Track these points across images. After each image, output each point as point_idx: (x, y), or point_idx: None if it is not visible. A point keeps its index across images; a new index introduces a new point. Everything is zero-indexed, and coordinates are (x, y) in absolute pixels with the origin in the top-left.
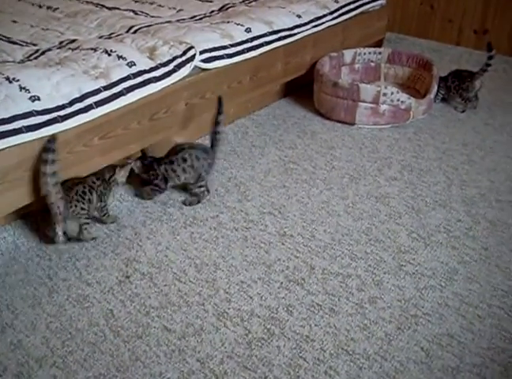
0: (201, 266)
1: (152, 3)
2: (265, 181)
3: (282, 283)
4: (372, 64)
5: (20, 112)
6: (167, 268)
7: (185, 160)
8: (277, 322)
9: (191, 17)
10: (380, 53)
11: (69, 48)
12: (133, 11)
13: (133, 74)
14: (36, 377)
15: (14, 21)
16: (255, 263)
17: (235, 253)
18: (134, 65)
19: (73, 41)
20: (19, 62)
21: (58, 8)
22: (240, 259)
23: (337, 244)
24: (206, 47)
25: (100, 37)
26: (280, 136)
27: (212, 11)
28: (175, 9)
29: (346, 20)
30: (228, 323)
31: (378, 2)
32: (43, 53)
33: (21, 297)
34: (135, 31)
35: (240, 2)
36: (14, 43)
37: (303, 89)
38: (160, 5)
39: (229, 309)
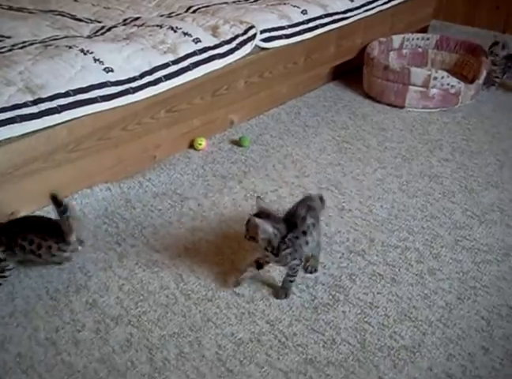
0: None
1: None
2: (320, 158)
3: (343, 253)
4: (420, 49)
5: (96, 82)
6: (232, 238)
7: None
8: (341, 289)
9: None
10: (428, 39)
11: (135, 25)
12: None
13: (198, 50)
14: (113, 334)
15: (75, 0)
16: None
17: None
18: (200, 41)
19: (137, 19)
20: (87, 37)
21: None
22: None
23: (394, 219)
24: (266, 27)
25: (161, 16)
26: (331, 118)
27: None
28: None
29: (395, 5)
30: (294, 289)
31: None
32: (109, 29)
33: (92, 261)
34: (194, 11)
35: None
36: (79, 20)
37: (351, 73)
38: None
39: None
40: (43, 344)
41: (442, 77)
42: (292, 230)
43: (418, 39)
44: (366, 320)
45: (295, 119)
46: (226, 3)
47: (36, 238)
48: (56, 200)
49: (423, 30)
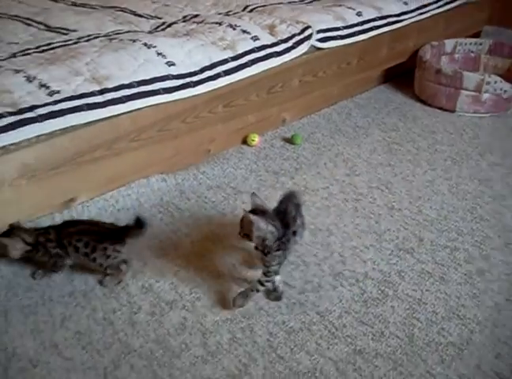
0: (315, 231)
1: None
2: (370, 158)
3: (393, 250)
4: (472, 54)
5: (159, 75)
6: None
7: None
8: (390, 285)
9: (301, 0)
10: (481, 44)
11: (194, 22)
12: None
13: (257, 47)
14: (168, 317)
15: None
16: (366, 231)
17: (347, 221)
18: (258, 39)
19: (196, 16)
20: (148, 33)
21: None
22: (352, 227)
23: (443, 220)
24: (321, 28)
25: (219, 14)
26: (382, 119)
27: None
28: None
29: (449, 10)
30: (344, 282)
31: None
32: (169, 25)
33: (148, 248)
34: (251, 11)
35: None
36: (140, 15)
37: (402, 76)
38: None
39: (344, 270)
40: (100, 323)
41: (495, 82)
42: (286, 231)
43: (471, 43)
44: (414, 315)
45: (346, 119)
46: (281, 3)
47: (91, 240)
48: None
49: (476, 35)
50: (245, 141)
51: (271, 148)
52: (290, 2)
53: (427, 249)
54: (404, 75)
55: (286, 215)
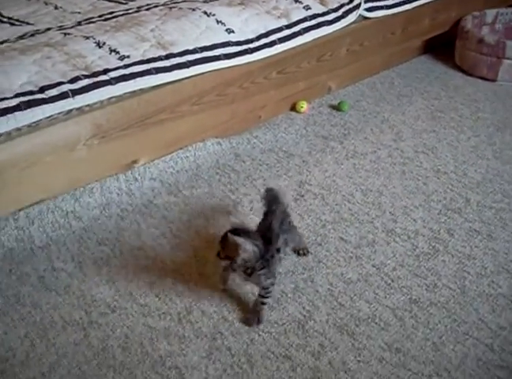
0: (366, 191)
1: None
2: (415, 125)
3: (441, 210)
4: None
5: (219, 42)
6: (336, 191)
7: None
8: (440, 241)
9: None
10: None
11: None
12: None
13: (309, 16)
14: None
15: None
16: (415, 192)
17: (396, 183)
18: (310, 8)
19: None
20: (203, 2)
21: None
22: (401, 188)
23: (489, 182)
24: None
25: None
26: (424, 88)
27: None
28: None
29: None
30: (397, 239)
31: None
32: None
33: (210, 207)
34: None
35: None
36: None
37: (442, 47)
38: None
39: (396, 228)
40: (170, 275)
41: None
42: (268, 248)
43: None
44: (465, 269)
45: (390, 88)
46: None
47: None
48: None
49: None
50: (293, 108)
51: (319, 114)
52: None
53: (474, 209)
54: (445, 45)
55: (269, 231)
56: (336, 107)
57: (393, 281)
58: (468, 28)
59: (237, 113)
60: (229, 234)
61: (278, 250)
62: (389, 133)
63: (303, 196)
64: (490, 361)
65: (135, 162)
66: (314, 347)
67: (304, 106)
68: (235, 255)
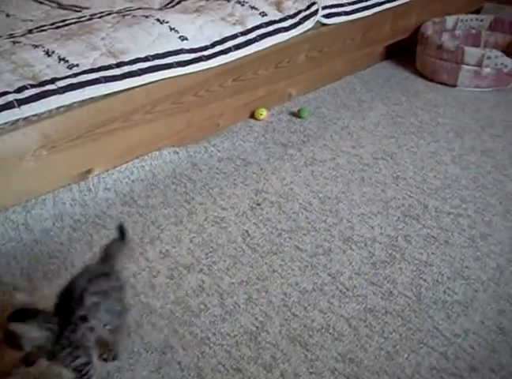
0: (324, 199)
1: None
2: (375, 131)
3: (399, 217)
4: (473, 31)
5: (172, 49)
6: (293, 199)
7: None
8: (397, 248)
9: None
10: (482, 20)
11: None
12: None
13: (265, 23)
14: (186, 280)
15: None
16: (373, 199)
17: (354, 190)
18: (266, 15)
19: None
20: (158, 9)
21: None
22: (359, 195)
23: (447, 188)
24: (327, 4)
25: None
26: (385, 94)
27: None
28: None
29: None
30: (354, 246)
31: None
32: (178, 2)
33: (164, 215)
34: None
35: None
36: None
37: (404, 52)
38: None
39: (353, 235)
40: None
41: (496, 57)
42: (68, 322)
43: (472, 20)
44: (421, 276)
45: (351, 94)
46: None
47: None
48: None
49: (477, 12)
50: (253, 116)
51: (278, 121)
52: None
53: (432, 215)
54: (407, 51)
55: (71, 297)
56: (296, 114)
57: (348, 290)
58: (428, 34)
59: (194, 121)
60: (10, 323)
61: (84, 318)
62: (349, 139)
63: (259, 204)
64: (444, 369)
65: (89, 172)
66: (266, 359)
67: (263, 113)
68: (21, 345)
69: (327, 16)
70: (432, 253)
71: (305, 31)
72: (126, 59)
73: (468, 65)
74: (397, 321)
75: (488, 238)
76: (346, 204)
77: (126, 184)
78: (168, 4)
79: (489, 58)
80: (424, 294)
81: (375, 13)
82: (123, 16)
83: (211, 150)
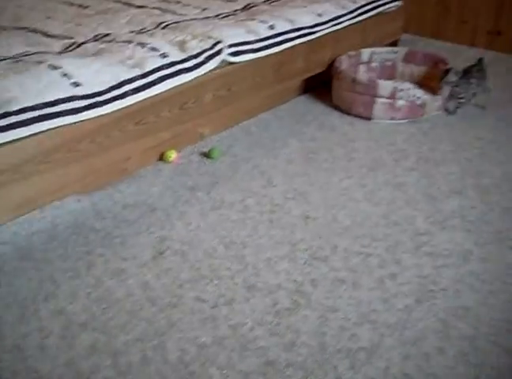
0: (229, 244)
1: (178, 2)
2: (287, 169)
3: (307, 260)
4: (389, 63)
5: (63, 96)
6: (197, 246)
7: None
8: (303, 294)
9: (216, 15)
10: (396, 52)
11: (104, 41)
12: (161, 9)
13: (166, 65)
14: (79, 339)
15: (48, 17)
16: (281, 242)
17: (262, 233)
18: (167, 56)
19: (107, 35)
20: (58, 53)
21: (88, 6)
22: (267, 238)
23: (358, 226)
24: (233, 42)
25: (132, 32)
26: (301, 129)
27: (236, 10)
28: (200, 7)
29: (364, 20)
30: (257, 294)
31: (395, 3)
32: (79, 45)
33: (61, 270)
34: (164, 27)
35: (263, 2)
36: (51, 36)
37: (321, 86)
38: (185, 4)
39: (258, 282)
40: (9, 351)
41: (408, 89)
42: None
43: (387, 52)
44: (326, 323)
45: (265, 131)
46: (196, 19)
47: None
48: None
49: (394, 43)
50: (162, 158)
51: (189, 163)
52: (204, 18)
53: (341, 256)
54: (324, 85)
55: None
56: (207, 155)
57: (249, 342)
58: (342, 68)
59: (96, 167)
60: None
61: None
62: (260, 179)
63: (162, 253)
64: None
65: None
66: None
67: (172, 155)
68: None
69: (234, 54)
70: (339, 297)
71: (210, 71)
72: (13, 109)
73: (382, 97)
74: (299, 374)
75: (397, 278)
76: (252, 248)
77: (25, 237)
78: (69, 47)
79: (402, 90)
80: (328, 342)
81: (286, 49)
82: (17, 62)
83: (116, 196)
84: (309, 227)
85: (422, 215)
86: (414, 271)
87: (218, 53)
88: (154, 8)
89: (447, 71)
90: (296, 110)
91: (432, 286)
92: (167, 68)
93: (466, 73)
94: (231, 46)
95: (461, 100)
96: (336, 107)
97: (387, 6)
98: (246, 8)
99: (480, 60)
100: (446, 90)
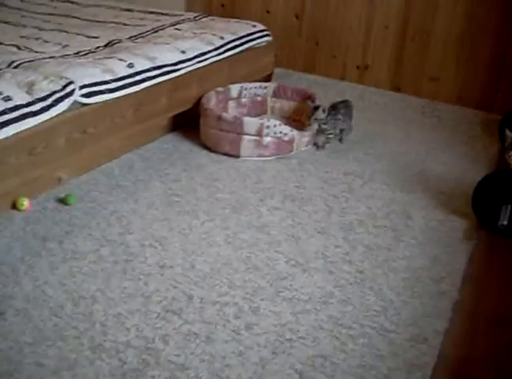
0: (78, 300)
1: (37, 38)
2: (147, 214)
3: (159, 313)
4: (259, 98)
5: None
6: (43, 304)
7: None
8: (153, 352)
9: (76, 53)
10: (266, 87)
11: None
12: (17, 46)
13: (9, 109)
14: None
15: None
16: (133, 295)
17: (114, 285)
18: (11, 99)
19: None
20: None
21: None
22: (119, 292)
23: (216, 273)
24: (87, 82)
25: None
26: (165, 170)
27: (98, 47)
28: (60, 44)
29: (232, 55)
30: (103, 355)
31: (265, 39)
32: None
33: None
34: (16, 67)
35: (127, 39)
36: None
37: (190, 123)
38: (45, 41)
39: (105, 341)
40: None
41: (275, 126)
42: None
43: (256, 87)
44: None
45: (128, 173)
46: (53, 57)
47: None
48: None
49: (267, 78)
50: (15, 206)
51: (43, 210)
52: (62, 56)
53: (196, 307)
54: (193, 122)
55: None
56: (64, 201)
57: None
58: (207, 106)
59: None
60: None
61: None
62: (117, 225)
63: (3, 314)
64: None
65: None
66: None
67: (25, 203)
68: None
69: (87, 95)
70: (191, 353)
71: (61, 113)
72: None
73: (248, 135)
74: None
75: (254, 328)
76: (102, 303)
77: None
78: None
79: (268, 127)
80: None
81: (147, 88)
82: None
83: None
84: (164, 277)
85: (284, 257)
86: (272, 319)
87: (69, 94)
88: (10, 45)
89: (316, 108)
90: (162, 150)
91: (290, 334)
92: (10, 112)
93: (334, 108)
94: (83, 87)
95: (330, 136)
96: (204, 146)
97: (256, 42)
98: (109, 45)
99: (346, 100)
100: (314, 126)
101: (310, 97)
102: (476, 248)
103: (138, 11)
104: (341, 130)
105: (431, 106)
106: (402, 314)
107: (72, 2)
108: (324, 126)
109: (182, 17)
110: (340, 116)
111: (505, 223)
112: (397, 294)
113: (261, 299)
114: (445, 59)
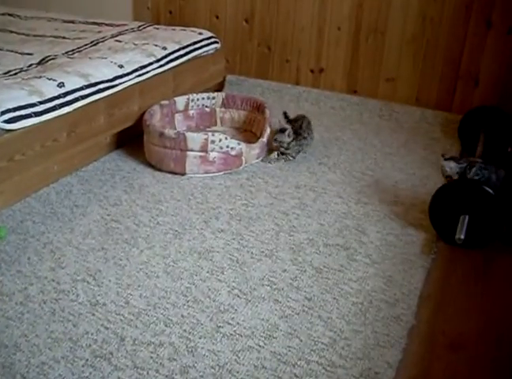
0: None
1: None
2: (82, 244)
3: (88, 359)
4: (207, 109)
5: None
6: None
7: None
8: None
9: (5, 73)
10: (214, 98)
11: None
12: None
13: None
14: None
15: None
16: (61, 339)
17: (40, 329)
18: None
19: None
20: None
21: None
22: (45, 336)
23: (152, 309)
24: (10, 107)
25: None
26: (105, 193)
27: (31, 64)
28: None
29: (177, 66)
30: None
31: (213, 46)
32: None
33: None
34: None
35: (63, 54)
36: None
37: (136, 140)
38: None
39: None
40: None
41: (220, 140)
42: None
43: (204, 98)
44: None
45: (65, 199)
46: None
47: None
48: None
49: (219, 86)
50: None
51: None
52: None
53: (128, 350)
54: (138, 139)
55: None
56: None
57: None
58: (150, 122)
59: None
60: None
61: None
62: (49, 259)
63: None
64: None
65: None
66: None
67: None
68: None
69: (9, 121)
70: None
71: None
72: None
73: (193, 151)
74: None
75: (190, 371)
76: (25, 351)
77: None
78: None
79: (213, 142)
80: None
81: (81, 107)
82: None
83: None
84: (96, 316)
85: (227, 286)
86: (209, 360)
87: None
88: None
89: (282, 131)
90: (104, 170)
91: (229, 376)
92: None
93: (297, 132)
94: (5, 112)
95: (290, 159)
96: (149, 164)
97: (204, 50)
98: (42, 61)
99: (304, 116)
100: (274, 154)
101: (259, 107)
102: (434, 263)
103: (81, 22)
104: (300, 151)
105: (389, 107)
106: (352, 346)
107: (11, 15)
108: (287, 151)
109: (126, 28)
110: (303, 141)
111: (462, 237)
112: (347, 323)
113: (200, 337)
114: (401, 59)
